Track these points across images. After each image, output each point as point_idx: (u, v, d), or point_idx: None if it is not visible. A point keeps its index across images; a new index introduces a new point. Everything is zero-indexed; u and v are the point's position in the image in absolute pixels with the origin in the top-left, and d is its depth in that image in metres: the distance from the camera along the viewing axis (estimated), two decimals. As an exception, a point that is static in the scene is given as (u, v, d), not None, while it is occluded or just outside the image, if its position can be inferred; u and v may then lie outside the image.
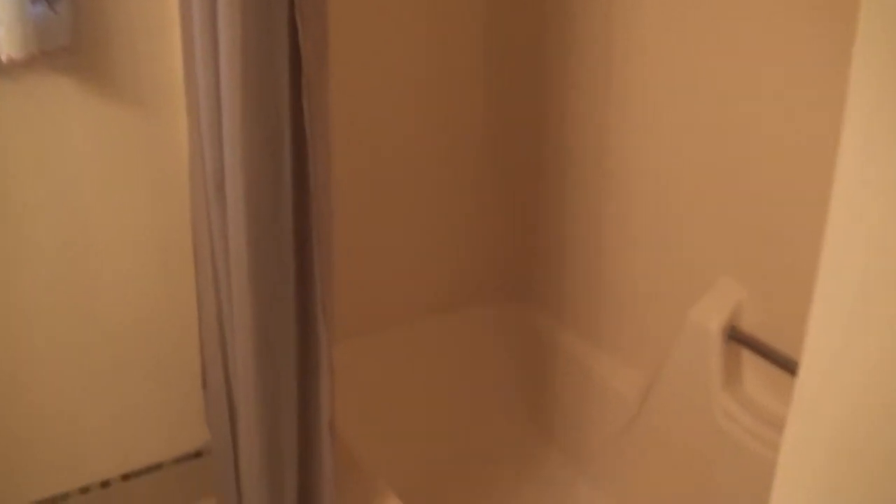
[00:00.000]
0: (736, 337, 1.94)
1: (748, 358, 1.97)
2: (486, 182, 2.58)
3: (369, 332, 2.48)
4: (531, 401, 2.58)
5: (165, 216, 2.00)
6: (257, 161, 1.49)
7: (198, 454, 2.26)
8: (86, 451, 2.13)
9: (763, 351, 1.90)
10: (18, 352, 1.97)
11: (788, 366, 1.81)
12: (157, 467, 2.23)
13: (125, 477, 2.20)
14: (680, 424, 2.06)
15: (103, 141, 1.87)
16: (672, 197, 2.07)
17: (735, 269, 1.95)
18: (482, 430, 2.58)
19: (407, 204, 2.45)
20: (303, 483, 1.75)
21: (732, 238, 1.94)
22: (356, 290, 2.26)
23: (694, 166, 2.00)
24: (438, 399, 2.55)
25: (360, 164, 2.29)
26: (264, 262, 1.56)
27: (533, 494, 2.41)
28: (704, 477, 1.99)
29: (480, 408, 2.60)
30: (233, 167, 1.51)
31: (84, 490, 2.16)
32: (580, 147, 2.28)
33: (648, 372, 2.15)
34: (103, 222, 1.94)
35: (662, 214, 2.10)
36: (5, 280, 1.89)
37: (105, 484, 2.18)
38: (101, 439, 2.14)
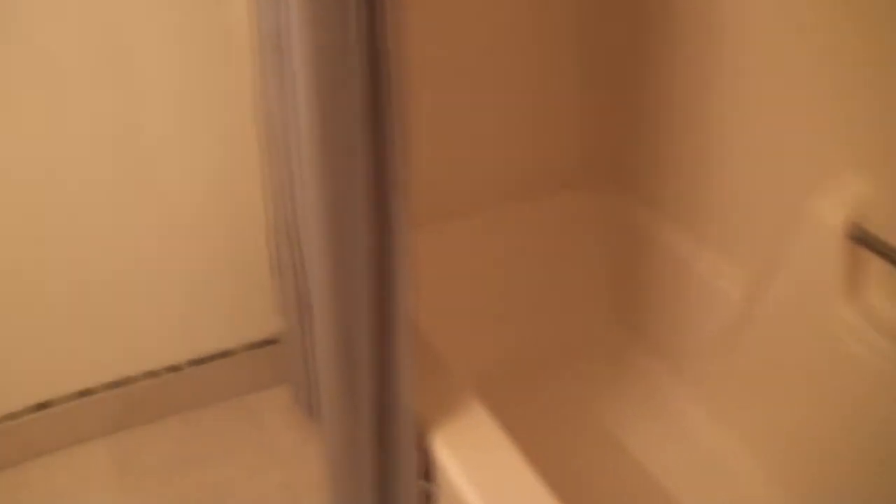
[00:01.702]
0: (861, 238, 1.69)
1: (874, 264, 1.70)
2: (578, 55, 2.32)
3: (450, 216, 2.30)
4: (622, 297, 2.40)
5: (226, 85, 1.85)
6: (320, 15, 1.30)
7: (270, 342, 2.16)
8: (153, 335, 2.06)
9: (892, 256, 1.65)
10: (87, 235, 1.89)
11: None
12: (228, 354, 2.15)
13: (194, 362, 2.13)
14: (791, 335, 1.83)
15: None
16: (793, 69, 1.80)
17: (862, 160, 1.70)
18: (568, 326, 2.42)
19: (494, 80, 2.22)
20: (378, 376, 1.62)
21: (860, 124, 1.68)
22: (438, 170, 2.10)
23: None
24: (522, 290, 2.39)
25: (444, 34, 2.07)
26: (333, 134, 1.38)
27: (622, 392, 2.26)
28: (818, 398, 1.78)
29: (567, 302, 2.43)
30: (292, 24, 1.34)
31: (151, 374, 2.10)
32: (684, 3, 2.00)
33: (756, 273, 1.93)
34: (163, 95, 1.82)
35: (781, 90, 1.83)
36: (64, 156, 1.79)
37: (173, 368, 2.12)
38: (169, 324, 2.06)
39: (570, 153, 2.41)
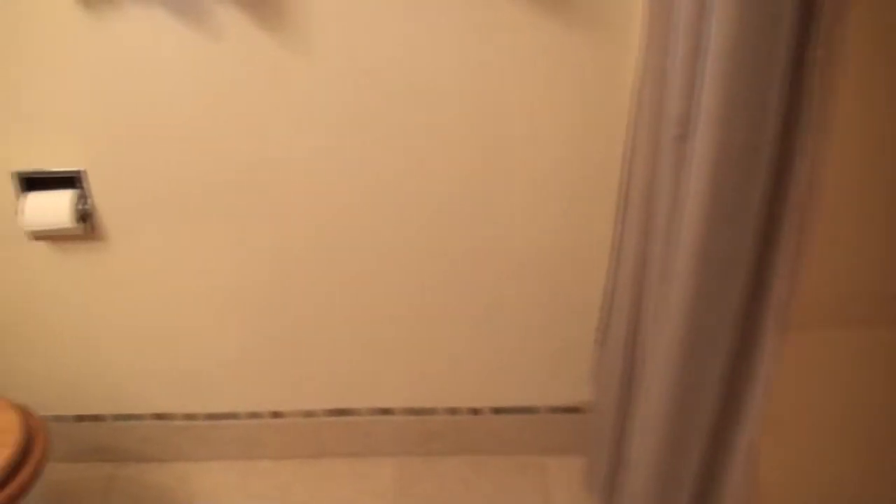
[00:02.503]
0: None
1: None
2: None
3: (814, 325, 2.06)
4: None
5: (593, 144, 1.76)
6: (740, 118, 1.22)
7: (575, 409, 2.09)
8: (465, 374, 2.05)
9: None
10: (433, 268, 1.92)
11: None
12: (530, 410, 2.10)
13: (496, 410, 2.10)
14: None
15: (542, 43, 1.69)
16: None
17: None
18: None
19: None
20: (709, 470, 1.51)
21: None
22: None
23: None
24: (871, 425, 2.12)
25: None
26: (718, 232, 1.29)
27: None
28: None
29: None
30: (707, 117, 1.25)
31: (452, 410, 2.10)
32: None
33: None
34: (525, 131, 1.76)
35: None
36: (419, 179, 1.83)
37: (475, 411, 2.10)
38: (482, 368, 2.04)
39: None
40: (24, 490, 1.54)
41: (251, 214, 1.85)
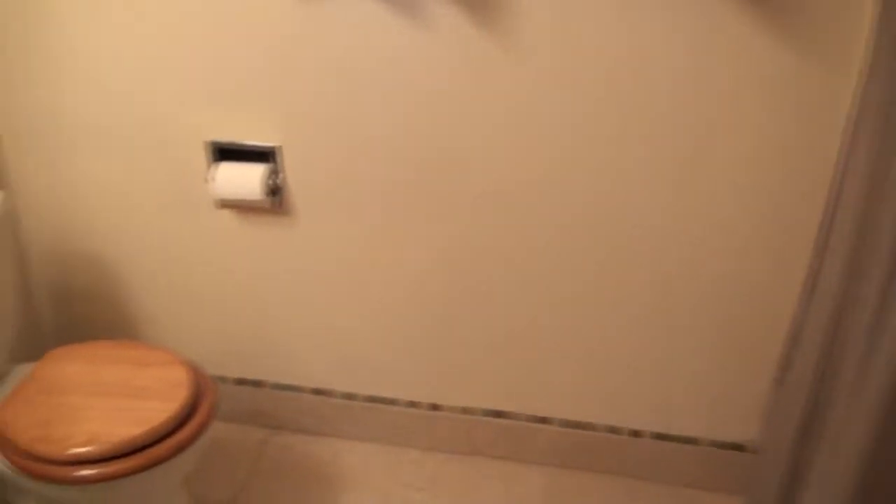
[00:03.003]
0: None
1: None
2: None
3: None
4: None
5: (797, 170, 1.65)
6: None
7: (738, 447, 2.00)
8: (633, 394, 1.98)
9: None
10: (635, 291, 1.86)
11: None
12: (692, 441, 2.01)
13: (657, 436, 2.03)
14: None
15: (758, 60, 1.59)
16: None
17: None
18: None
19: None
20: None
21: None
22: None
23: None
24: None
25: None
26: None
27: None
28: None
29: None
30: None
31: (613, 429, 2.04)
32: None
33: None
34: (728, 151, 1.67)
35: None
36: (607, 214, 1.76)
37: (636, 433, 2.04)
38: (652, 390, 1.97)
39: None
40: (187, 443, 1.58)
41: (437, 208, 1.83)
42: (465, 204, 1.81)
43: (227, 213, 1.95)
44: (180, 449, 1.56)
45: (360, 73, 1.72)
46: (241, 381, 2.20)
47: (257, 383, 2.19)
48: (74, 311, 2.23)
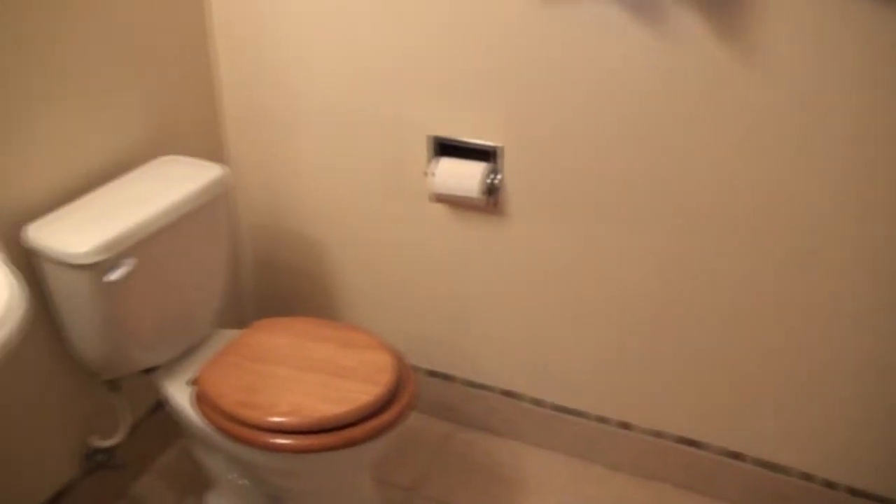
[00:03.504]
0: None
1: None
2: None
3: None
4: None
5: None
6: None
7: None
8: (827, 441, 1.87)
9: None
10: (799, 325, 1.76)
11: None
12: (885, 502, 1.88)
13: (853, 491, 1.90)
14: None
15: None
16: None
17: None
18: None
19: None
20: None
21: None
22: None
23: None
24: None
25: None
26: None
27: None
28: None
29: None
30: None
31: (807, 477, 1.93)
32: None
33: None
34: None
35: None
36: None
37: (829, 484, 1.92)
38: (848, 440, 1.85)
39: None
40: (385, 429, 1.61)
41: (654, 225, 1.79)
42: (684, 223, 1.76)
43: (440, 208, 1.98)
44: (378, 433, 1.59)
45: (588, 80, 1.70)
46: (432, 374, 2.23)
47: (448, 377, 2.22)
48: (276, 284, 2.32)
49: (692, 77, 1.63)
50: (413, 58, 1.85)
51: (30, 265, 1.61)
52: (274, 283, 2.33)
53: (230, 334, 1.92)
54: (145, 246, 1.64)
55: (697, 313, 1.85)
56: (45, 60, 1.63)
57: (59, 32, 1.65)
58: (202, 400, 1.69)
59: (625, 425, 2.06)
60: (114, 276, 1.58)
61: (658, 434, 2.03)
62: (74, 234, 1.58)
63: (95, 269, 1.56)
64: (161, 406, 2.08)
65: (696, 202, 1.73)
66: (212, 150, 2.13)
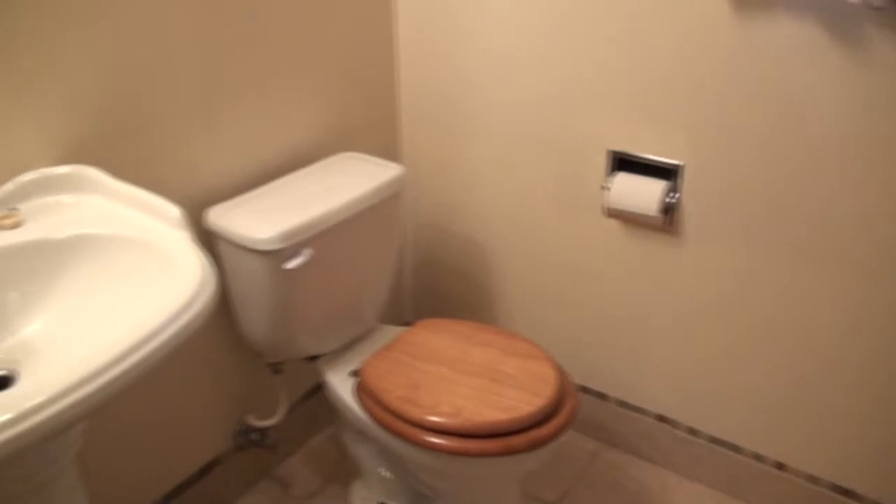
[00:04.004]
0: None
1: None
2: None
3: None
4: None
5: None
6: None
7: None
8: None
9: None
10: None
11: None
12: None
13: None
14: None
15: None
16: None
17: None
18: None
19: None
20: None
21: None
22: None
23: None
24: None
25: None
26: None
27: None
28: None
29: None
30: None
31: (813, 479, 1.87)
32: None
33: None
34: None
35: None
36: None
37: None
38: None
39: None
40: (545, 441, 1.59)
41: (840, 262, 1.69)
42: (878, 265, 1.66)
43: (613, 223, 1.95)
44: (538, 445, 1.58)
45: (776, 102, 1.63)
46: (585, 389, 2.19)
47: (602, 395, 2.18)
48: (435, 284, 2.33)
49: (892, 105, 1.54)
50: (597, 71, 1.82)
51: (207, 246, 1.67)
52: (433, 282, 2.34)
53: (391, 330, 1.94)
54: (323, 238, 1.67)
55: (882, 362, 1.75)
56: (243, 61, 1.71)
57: (256, 36, 1.73)
58: (364, 391, 1.71)
59: (780, 466, 1.97)
60: (292, 264, 1.62)
61: (813, 479, 1.92)
62: (258, 220, 1.63)
63: (276, 255, 1.60)
64: (314, 393, 2.13)
65: (879, 238, 1.64)
66: (387, 148, 2.17)
